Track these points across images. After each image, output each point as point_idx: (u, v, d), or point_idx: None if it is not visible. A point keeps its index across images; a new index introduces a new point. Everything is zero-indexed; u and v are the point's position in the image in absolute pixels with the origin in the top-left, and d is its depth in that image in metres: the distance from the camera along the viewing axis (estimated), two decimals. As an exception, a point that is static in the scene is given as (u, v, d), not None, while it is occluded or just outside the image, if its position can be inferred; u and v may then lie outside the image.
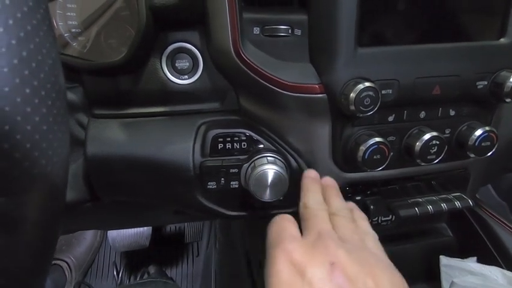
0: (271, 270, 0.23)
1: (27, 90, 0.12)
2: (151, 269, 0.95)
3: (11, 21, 0.12)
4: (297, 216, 0.42)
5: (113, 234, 0.97)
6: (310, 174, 0.32)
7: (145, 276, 0.95)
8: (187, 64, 0.39)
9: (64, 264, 0.92)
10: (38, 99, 0.13)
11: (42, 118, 0.13)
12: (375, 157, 0.36)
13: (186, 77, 0.39)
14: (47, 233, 0.17)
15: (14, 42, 0.12)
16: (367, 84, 0.32)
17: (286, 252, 0.24)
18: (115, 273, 1.00)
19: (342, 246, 0.24)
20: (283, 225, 0.27)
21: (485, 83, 0.37)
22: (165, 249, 1.06)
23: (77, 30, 0.36)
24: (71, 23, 0.36)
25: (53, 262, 0.92)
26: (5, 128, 0.12)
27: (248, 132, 0.39)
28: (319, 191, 0.31)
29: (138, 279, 0.96)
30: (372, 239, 0.28)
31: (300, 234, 0.26)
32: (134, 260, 1.04)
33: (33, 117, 0.13)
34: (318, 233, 0.25)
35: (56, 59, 0.14)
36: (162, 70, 0.38)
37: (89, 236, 1.03)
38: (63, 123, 0.15)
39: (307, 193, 0.30)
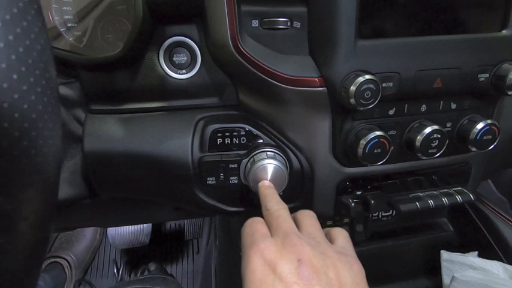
0: (247, 269, 0.27)
1: (15, 76, 0.12)
2: (152, 266, 0.95)
3: None
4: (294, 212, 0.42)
5: (112, 231, 0.97)
6: (264, 183, 0.36)
7: (146, 273, 0.95)
8: (185, 58, 0.38)
9: (64, 262, 0.92)
10: (27, 85, 0.12)
11: (31, 106, 0.13)
12: (375, 151, 0.35)
13: (184, 71, 0.38)
14: (40, 230, 0.16)
15: None
16: (367, 77, 0.32)
17: (259, 252, 0.27)
18: (115, 270, 1.00)
19: (307, 242, 0.27)
20: (255, 226, 0.30)
21: (487, 75, 0.36)
22: (165, 247, 1.06)
23: (73, 25, 0.35)
24: (67, 17, 0.35)
25: (53, 260, 0.92)
26: None
27: (247, 127, 0.38)
28: (275, 193, 0.34)
29: (138, 276, 0.96)
30: (338, 233, 0.32)
31: (269, 233, 0.29)
32: (134, 257, 1.04)
33: (21, 105, 0.12)
34: (284, 233, 0.28)
35: (46, 46, 0.14)
36: (160, 65, 0.38)
37: (88, 233, 1.03)
38: (54, 113, 0.15)
39: (266, 198, 0.33)
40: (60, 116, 0.16)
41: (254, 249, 0.27)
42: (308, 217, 0.32)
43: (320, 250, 0.27)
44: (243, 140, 0.38)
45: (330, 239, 0.31)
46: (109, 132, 0.38)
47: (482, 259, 0.47)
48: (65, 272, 0.91)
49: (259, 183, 0.35)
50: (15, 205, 0.14)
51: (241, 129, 0.38)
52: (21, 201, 0.14)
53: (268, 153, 0.37)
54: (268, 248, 0.27)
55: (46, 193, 0.15)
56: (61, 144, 0.16)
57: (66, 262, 0.93)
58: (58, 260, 0.92)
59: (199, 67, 0.39)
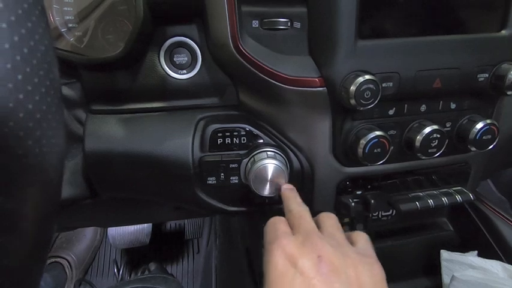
0: (269, 262, 0.27)
1: (20, 77, 0.12)
2: (152, 266, 0.95)
3: (1, 5, 0.11)
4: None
5: (113, 231, 0.97)
6: (287, 186, 0.37)
7: (146, 273, 0.95)
8: (186, 59, 0.38)
9: (64, 262, 0.92)
10: (31, 86, 0.12)
11: (35, 106, 0.13)
12: (375, 151, 0.35)
13: (185, 71, 0.39)
14: (43, 230, 0.16)
15: (4, 26, 0.12)
16: (367, 77, 0.32)
17: (281, 247, 0.28)
18: (115, 270, 1.00)
19: (327, 242, 0.28)
20: (277, 225, 0.31)
21: (486, 75, 0.37)
22: (165, 246, 1.07)
23: (74, 25, 0.35)
24: (68, 17, 0.35)
25: (54, 260, 0.92)
26: None
27: (248, 127, 0.38)
28: (297, 195, 0.35)
29: (138, 276, 0.96)
30: (359, 236, 0.33)
31: (291, 231, 0.30)
32: (135, 257, 1.04)
33: (26, 105, 0.12)
34: (306, 232, 0.29)
35: (49, 46, 0.14)
36: (161, 65, 0.38)
37: (89, 233, 1.03)
38: (58, 113, 0.15)
39: (289, 200, 0.34)
40: (64, 116, 0.16)
41: (276, 245, 0.28)
42: (329, 219, 0.33)
43: (340, 250, 0.28)
44: (244, 140, 0.38)
45: (350, 242, 0.31)
46: (110, 132, 0.38)
47: (482, 259, 0.47)
48: (66, 272, 0.91)
49: (283, 186, 0.36)
50: (18, 204, 0.14)
51: (242, 129, 0.38)
52: (24, 201, 0.14)
53: (269, 153, 0.37)
54: (289, 244, 0.28)
55: (49, 193, 0.15)
56: (64, 144, 0.16)
57: (66, 262, 0.93)
58: (58, 259, 0.93)
59: (200, 67, 0.39)
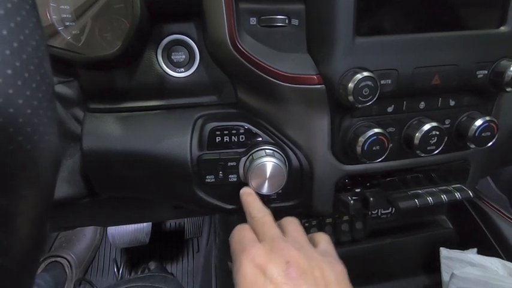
0: (239, 273, 0.28)
1: (9, 71, 0.12)
2: (152, 265, 0.96)
3: None
4: (294, 210, 0.42)
5: (112, 230, 0.97)
6: (245, 190, 0.37)
7: (146, 272, 0.95)
8: (184, 57, 0.38)
9: (64, 261, 0.92)
10: (22, 81, 0.12)
11: (26, 101, 0.13)
12: (374, 148, 0.35)
13: (183, 69, 0.38)
14: (37, 226, 0.16)
15: None
16: (365, 74, 0.32)
17: (250, 257, 0.29)
18: (115, 269, 1.00)
19: (293, 246, 0.29)
20: (243, 233, 0.32)
21: (485, 72, 0.36)
22: (165, 246, 1.07)
23: (71, 23, 0.35)
24: (64, 15, 0.35)
25: (53, 259, 0.92)
26: None
27: (246, 125, 0.38)
28: (257, 199, 0.36)
29: (138, 275, 0.96)
30: (321, 238, 0.35)
31: (257, 238, 0.31)
32: (134, 256, 1.04)
33: (16, 100, 0.12)
34: (271, 238, 0.30)
35: (40, 41, 0.14)
36: (158, 63, 0.38)
37: (88, 233, 1.03)
38: (50, 108, 0.14)
39: (249, 205, 0.35)
40: (56, 112, 0.16)
41: (245, 255, 0.29)
42: (292, 223, 0.34)
43: (305, 253, 0.29)
44: (242, 138, 0.38)
45: (313, 243, 0.33)
46: (108, 130, 0.38)
47: (481, 256, 0.47)
48: (65, 272, 0.91)
49: (241, 191, 0.37)
50: (11, 200, 0.14)
51: (240, 127, 0.38)
52: (18, 197, 0.14)
53: (267, 151, 0.37)
54: (258, 253, 0.29)
55: (42, 189, 0.15)
56: (57, 140, 0.16)
57: (66, 261, 0.93)
58: (58, 259, 0.93)
59: (198, 65, 0.38)
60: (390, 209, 0.49)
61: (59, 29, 0.35)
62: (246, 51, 0.34)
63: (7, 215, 0.14)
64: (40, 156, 0.14)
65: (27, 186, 0.14)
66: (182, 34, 0.38)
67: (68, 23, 0.35)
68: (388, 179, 0.43)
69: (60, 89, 0.38)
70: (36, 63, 0.13)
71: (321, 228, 0.53)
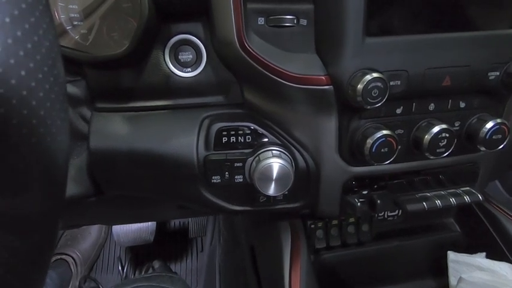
0: None
1: (23, 72, 0.12)
2: (156, 264, 0.96)
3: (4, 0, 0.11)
4: (300, 212, 0.42)
5: (117, 229, 0.98)
6: None
7: (150, 270, 0.95)
8: (191, 56, 0.38)
9: (70, 259, 0.93)
10: (35, 82, 0.12)
11: (39, 103, 0.12)
12: (382, 150, 0.35)
13: (190, 69, 0.38)
14: (48, 226, 0.16)
15: (7, 20, 0.11)
16: (375, 75, 0.32)
17: None
18: (120, 267, 1.01)
19: None
20: None
21: (497, 73, 0.36)
22: (169, 245, 1.07)
23: (79, 23, 0.35)
24: (73, 15, 0.35)
25: (59, 257, 0.93)
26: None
27: (253, 126, 0.38)
28: None
29: (142, 273, 0.96)
30: None
31: None
32: (139, 255, 1.05)
33: (30, 101, 0.12)
34: None
35: (54, 42, 0.14)
36: (165, 63, 0.38)
37: (94, 231, 1.04)
38: (62, 109, 0.14)
39: None
40: (68, 113, 0.16)
41: None
42: None
43: None
44: (249, 138, 0.38)
45: None
46: (114, 130, 0.38)
47: (490, 260, 0.46)
48: (71, 269, 0.92)
49: None
50: (23, 201, 0.14)
51: (247, 128, 0.38)
52: (29, 197, 0.14)
53: (274, 152, 0.37)
54: None
55: (54, 189, 0.15)
56: (68, 141, 0.16)
57: (71, 259, 0.94)
58: (64, 257, 0.93)
59: (205, 65, 0.38)
60: (397, 211, 0.48)
61: (67, 28, 0.35)
62: (254, 52, 0.34)
63: (19, 217, 0.14)
64: (52, 157, 0.14)
65: (38, 186, 0.14)
66: (189, 34, 0.38)
67: (76, 22, 0.35)
68: (395, 181, 0.42)
69: (67, 88, 0.38)
70: (49, 64, 0.13)
71: (326, 230, 0.53)
